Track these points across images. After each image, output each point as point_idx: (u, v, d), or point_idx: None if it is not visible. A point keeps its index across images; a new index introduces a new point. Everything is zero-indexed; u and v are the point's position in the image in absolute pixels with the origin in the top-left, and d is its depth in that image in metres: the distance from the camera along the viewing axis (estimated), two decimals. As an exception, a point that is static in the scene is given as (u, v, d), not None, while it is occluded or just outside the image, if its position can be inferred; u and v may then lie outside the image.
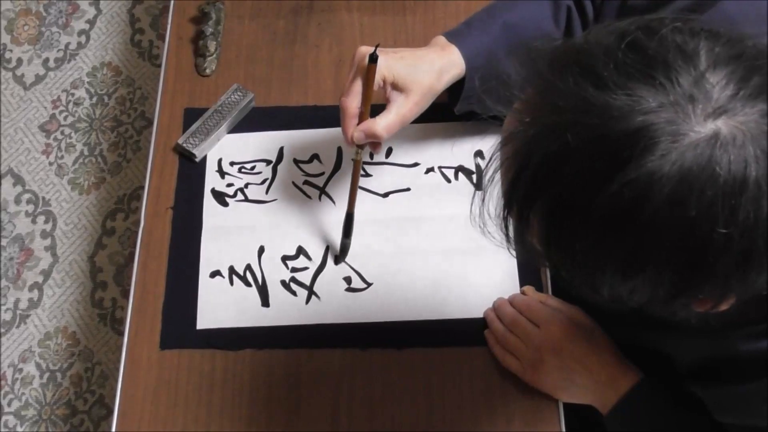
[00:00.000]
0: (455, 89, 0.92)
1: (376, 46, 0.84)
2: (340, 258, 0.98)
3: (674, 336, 0.77)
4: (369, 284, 0.97)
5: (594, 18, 0.95)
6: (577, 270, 0.56)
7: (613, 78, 0.52)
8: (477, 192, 0.62)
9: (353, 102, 0.86)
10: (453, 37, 0.92)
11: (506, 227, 0.60)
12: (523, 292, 0.95)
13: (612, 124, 0.50)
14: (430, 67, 0.88)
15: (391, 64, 0.86)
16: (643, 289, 0.55)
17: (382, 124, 0.86)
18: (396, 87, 0.87)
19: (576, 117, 0.52)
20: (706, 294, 0.55)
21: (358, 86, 0.86)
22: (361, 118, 0.87)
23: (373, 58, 0.84)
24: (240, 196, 1.03)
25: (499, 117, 0.62)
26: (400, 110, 0.87)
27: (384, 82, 0.87)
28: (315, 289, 0.97)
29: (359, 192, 1.02)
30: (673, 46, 0.52)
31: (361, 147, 0.90)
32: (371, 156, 1.03)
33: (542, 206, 0.55)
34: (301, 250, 0.99)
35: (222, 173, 1.05)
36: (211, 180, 1.04)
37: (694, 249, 0.51)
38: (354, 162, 0.92)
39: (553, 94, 0.54)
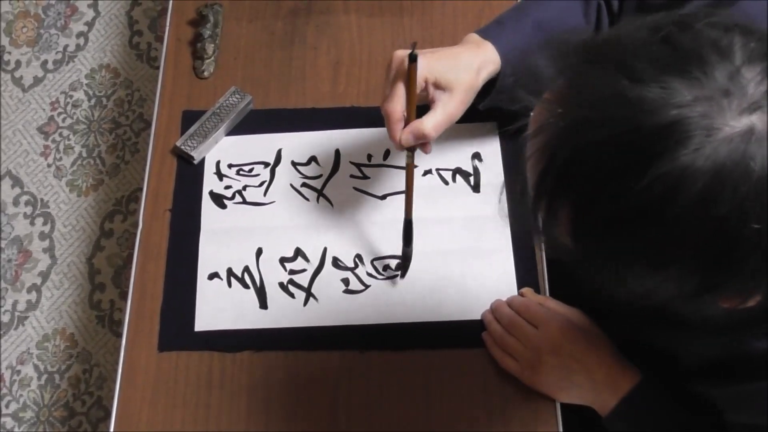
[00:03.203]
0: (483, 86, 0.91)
1: (414, 45, 0.81)
2: (404, 270, 0.96)
3: (686, 335, 0.76)
4: (367, 286, 0.97)
5: (618, 15, 0.95)
6: (604, 264, 0.56)
7: (647, 71, 0.51)
8: (505, 182, 0.61)
9: (397, 106, 0.84)
10: (487, 34, 0.91)
11: (535, 219, 0.59)
12: (521, 294, 0.95)
13: (645, 118, 0.50)
14: (468, 64, 0.87)
15: (431, 64, 0.84)
16: (670, 283, 0.54)
17: (430, 123, 0.84)
18: (438, 86, 0.85)
19: (609, 110, 0.52)
20: (733, 290, 0.54)
21: (400, 90, 0.84)
22: (407, 122, 0.85)
23: (413, 58, 0.81)
24: (238, 198, 1.03)
25: (518, 113, 0.62)
26: (447, 109, 0.85)
27: (426, 82, 0.85)
28: (313, 291, 0.97)
29: (356, 194, 1.02)
30: (707, 41, 0.52)
31: (411, 150, 0.87)
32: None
33: (571, 199, 0.55)
34: (299, 252, 0.99)
35: (220, 175, 1.05)
36: (210, 182, 1.04)
37: (725, 244, 0.51)
38: (407, 166, 0.89)
39: (586, 87, 0.54)
